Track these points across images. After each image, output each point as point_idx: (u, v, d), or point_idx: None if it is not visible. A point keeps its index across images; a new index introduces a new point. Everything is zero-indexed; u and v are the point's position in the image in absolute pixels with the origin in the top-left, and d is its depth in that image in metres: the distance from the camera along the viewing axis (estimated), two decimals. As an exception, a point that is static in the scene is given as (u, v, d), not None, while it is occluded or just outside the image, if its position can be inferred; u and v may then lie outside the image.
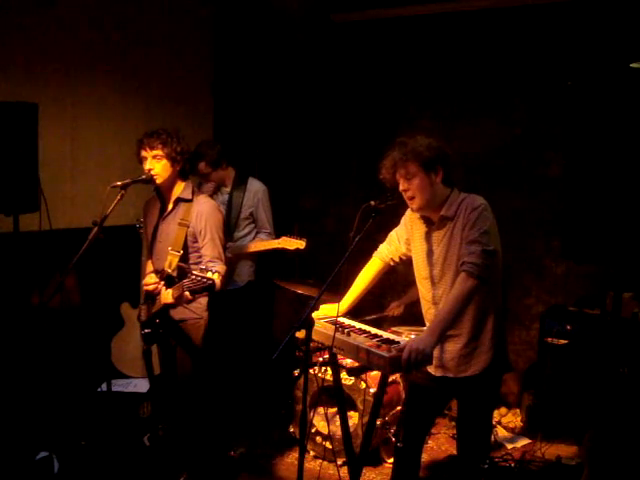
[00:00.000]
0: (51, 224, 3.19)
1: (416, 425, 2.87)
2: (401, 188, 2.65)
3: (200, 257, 3.26)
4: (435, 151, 2.63)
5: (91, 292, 4.14)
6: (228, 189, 4.26)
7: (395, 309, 4.56)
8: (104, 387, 3.58)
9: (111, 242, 3.09)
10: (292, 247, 3.97)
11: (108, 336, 4.02)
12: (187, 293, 2.97)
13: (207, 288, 2.85)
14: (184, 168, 3.29)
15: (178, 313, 3.29)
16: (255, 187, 4.30)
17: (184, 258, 3.23)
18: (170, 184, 3.29)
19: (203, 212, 3.24)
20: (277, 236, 4.15)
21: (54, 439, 3.55)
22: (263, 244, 4.14)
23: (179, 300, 3.05)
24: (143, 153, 3.21)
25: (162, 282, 3.16)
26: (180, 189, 3.30)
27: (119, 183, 3.07)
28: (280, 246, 4.01)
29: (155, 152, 3.18)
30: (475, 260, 2.49)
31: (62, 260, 3.04)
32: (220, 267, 3.18)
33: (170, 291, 3.06)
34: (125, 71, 4.54)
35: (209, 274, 2.82)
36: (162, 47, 4.83)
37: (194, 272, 2.87)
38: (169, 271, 3.11)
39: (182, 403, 3.41)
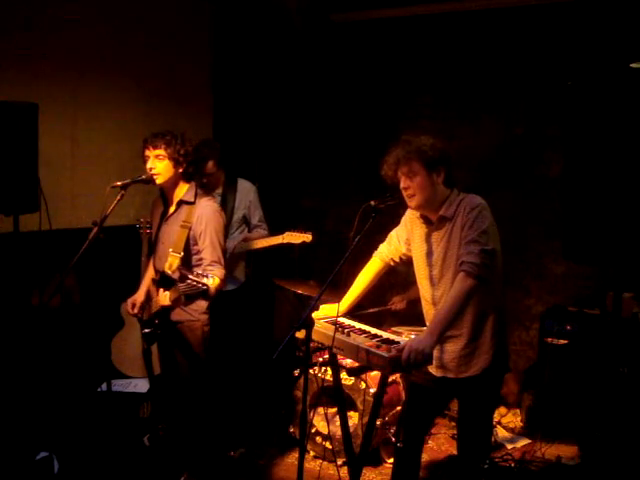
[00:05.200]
0: (51, 224, 3.19)
1: (416, 425, 2.87)
2: (402, 186, 2.65)
3: (201, 260, 3.27)
4: (439, 152, 2.64)
5: (91, 292, 4.14)
6: (219, 191, 4.21)
7: (398, 303, 4.56)
8: (104, 387, 3.58)
9: (111, 242, 3.09)
10: (298, 241, 3.96)
11: (108, 336, 4.02)
12: (182, 297, 2.97)
13: (201, 294, 2.85)
14: (187, 170, 3.30)
15: (176, 315, 3.30)
16: (246, 188, 4.26)
17: (186, 260, 3.23)
18: (172, 185, 3.29)
19: (204, 215, 3.24)
20: (274, 232, 4.13)
21: (54, 439, 3.55)
22: (268, 240, 4.11)
23: (176, 303, 3.05)
24: (146, 152, 3.23)
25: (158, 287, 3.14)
26: (183, 191, 3.31)
27: (119, 183, 3.08)
28: (285, 241, 4.00)
29: (158, 152, 3.19)
30: (474, 260, 2.49)
31: (62, 260, 3.03)
32: (219, 271, 3.18)
33: (167, 293, 3.06)
34: (125, 71, 4.53)
35: (205, 280, 2.82)
36: (162, 47, 4.82)
37: (190, 276, 2.86)
38: (169, 272, 3.11)
39: (182, 403, 3.41)
